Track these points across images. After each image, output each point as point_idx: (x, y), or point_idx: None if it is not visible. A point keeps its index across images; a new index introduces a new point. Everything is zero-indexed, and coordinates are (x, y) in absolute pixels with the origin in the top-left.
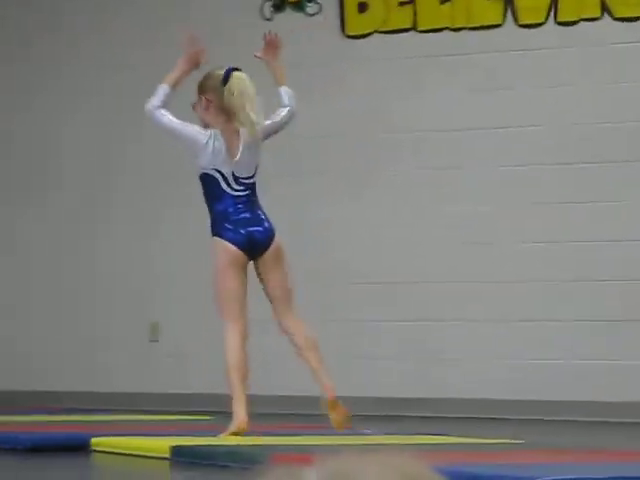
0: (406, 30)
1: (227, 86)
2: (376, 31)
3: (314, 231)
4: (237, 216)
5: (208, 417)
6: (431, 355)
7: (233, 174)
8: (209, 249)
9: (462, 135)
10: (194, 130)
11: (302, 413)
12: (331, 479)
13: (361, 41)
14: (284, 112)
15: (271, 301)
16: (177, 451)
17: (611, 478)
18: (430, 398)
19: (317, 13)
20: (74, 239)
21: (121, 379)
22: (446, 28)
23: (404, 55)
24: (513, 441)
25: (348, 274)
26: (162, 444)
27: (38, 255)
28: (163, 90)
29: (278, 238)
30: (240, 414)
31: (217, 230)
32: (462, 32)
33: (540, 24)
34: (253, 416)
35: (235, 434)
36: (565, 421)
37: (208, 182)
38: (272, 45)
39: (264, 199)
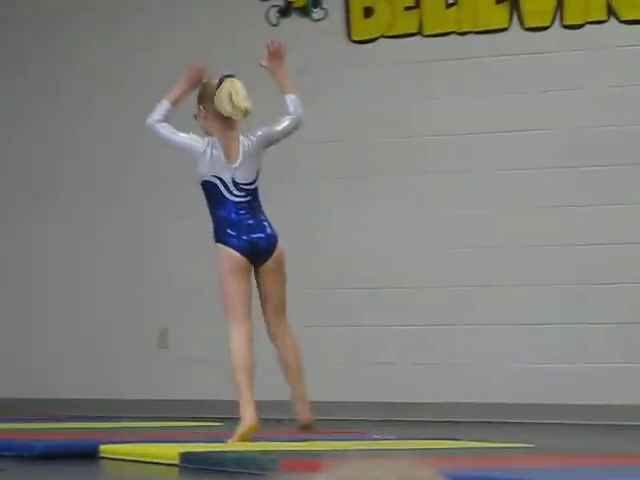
0: (412, 35)
1: (218, 90)
2: (382, 36)
3: (316, 235)
4: (240, 223)
5: (218, 424)
6: (435, 359)
7: (233, 180)
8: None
9: (469, 139)
10: (191, 139)
11: None
12: None
13: (367, 46)
14: (287, 121)
15: (264, 307)
16: (186, 458)
17: None
18: (434, 402)
19: (323, 18)
20: (85, 243)
21: (131, 386)
22: (452, 32)
23: (410, 60)
24: (523, 445)
25: (348, 278)
26: (171, 451)
27: (41, 262)
28: (164, 106)
29: (281, 244)
30: (247, 414)
31: (220, 236)
32: (468, 36)
33: (546, 27)
34: (262, 422)
35: (244, 435)
36: (574, 425)
37: (209, 189)
38: (276, 54)
39: (266, 204)
